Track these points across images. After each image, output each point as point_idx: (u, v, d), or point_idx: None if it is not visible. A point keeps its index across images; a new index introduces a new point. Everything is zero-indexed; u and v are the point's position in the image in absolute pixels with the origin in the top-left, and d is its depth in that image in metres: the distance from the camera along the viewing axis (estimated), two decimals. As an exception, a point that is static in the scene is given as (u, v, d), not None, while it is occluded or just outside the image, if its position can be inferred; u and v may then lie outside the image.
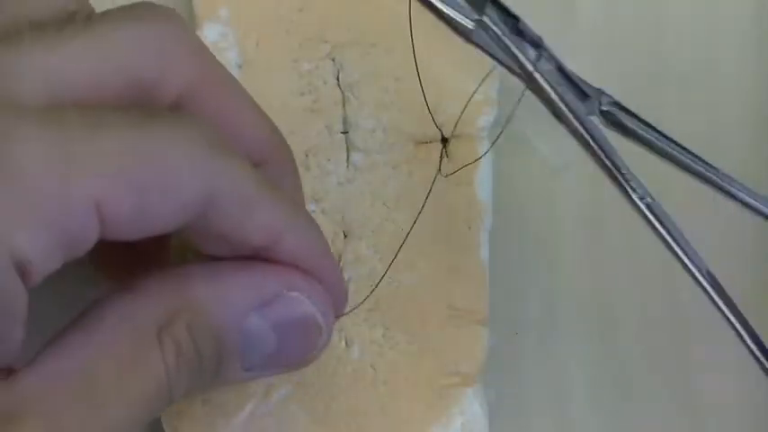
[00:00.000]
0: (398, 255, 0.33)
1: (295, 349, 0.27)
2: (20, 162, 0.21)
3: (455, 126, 0.34)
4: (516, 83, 0.37)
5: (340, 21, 0.35)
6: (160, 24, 0.25)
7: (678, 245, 0.27)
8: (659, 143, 0.27)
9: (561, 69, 0.26)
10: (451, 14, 0.25)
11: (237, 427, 0.32)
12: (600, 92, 0.27)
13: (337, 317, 0.28)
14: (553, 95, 0.26)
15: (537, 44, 0.25)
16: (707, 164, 0.27)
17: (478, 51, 0.36)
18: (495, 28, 0.25)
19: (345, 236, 0.34)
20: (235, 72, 0.34)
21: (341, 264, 0.34)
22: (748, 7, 0.38)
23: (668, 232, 0.27)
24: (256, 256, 0.26)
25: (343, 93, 0.34)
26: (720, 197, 0.30)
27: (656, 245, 0.37)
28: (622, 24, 0.38)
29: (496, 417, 0.34)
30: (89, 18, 0.24)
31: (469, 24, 0.25)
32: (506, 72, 0.36)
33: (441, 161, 0.34)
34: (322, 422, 0.33)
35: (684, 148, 0.27)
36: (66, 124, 0.22)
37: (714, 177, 0.27)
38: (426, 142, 0.34)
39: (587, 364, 0.36)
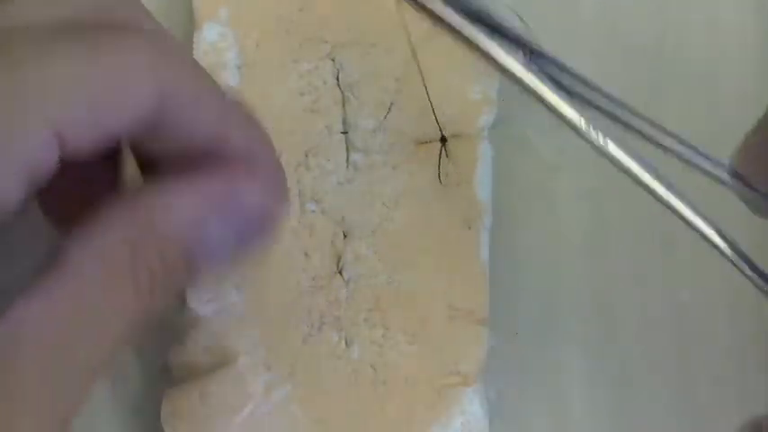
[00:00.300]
0: (398, 255, 0.33)
1: (252, 242, 0.27)
2: None
3: (455, 126, 0.34)
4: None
5: (340, 21, 0.35)
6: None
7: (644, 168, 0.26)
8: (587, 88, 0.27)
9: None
10: None
11: (237, 427, 0.32)
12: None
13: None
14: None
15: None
16: (651, 121, 0.27)
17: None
18: None
19: (345, 236, 0.34)
20: (235, 72, 0.34)
21: (341, 264, 0.34)
22: (749, 7, 0.38)
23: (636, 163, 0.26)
24: (205, 158, 0.26)
25: (342, 93, 0.34)
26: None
27: (656, 245, 0.37)
28: (623, 24, 0.38)
29: (496, 417, 0.34)
30: None
31: None
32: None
33: (440, 160, 0.34)
34: (322, 422, 0.33)
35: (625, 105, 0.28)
36: (20, 53, 0.22)
37: (659, 135, 0.27)
38: (426, 142, 0.34)
39: (587, 364, 0.36)
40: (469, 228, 0.34)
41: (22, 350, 0.23)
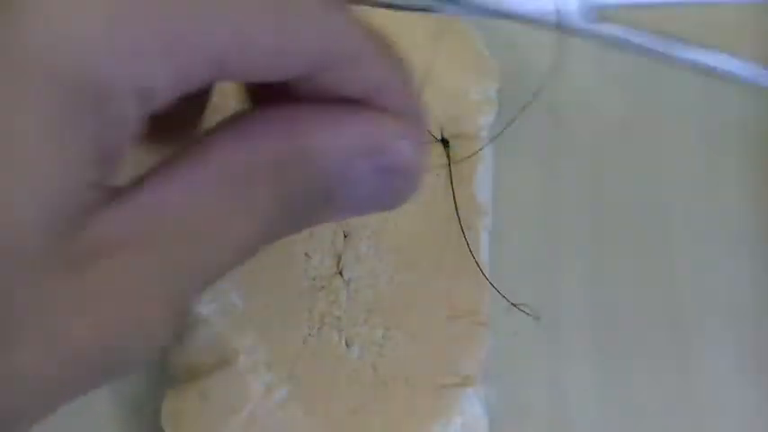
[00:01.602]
0: (399, 255, 0.33)
1: (393, 194, 0.27)
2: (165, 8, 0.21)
3: (455, 126, 0.34)
4: (516, 83, 0.37)
5: (340, 21, 0.35)
6: None
7: None
8: None
9: None
10: None
11: (237, 427, 0.32)
12: None
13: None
14: None
15: None
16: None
17: (480, 50, 0.36)
18: None
19: (345, 236, 0.34)
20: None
21: (341, 264, 0.34)
22: (749, 7, 0.38)
23: None
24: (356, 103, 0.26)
25: (343, 93, 0.34)
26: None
27: (656, 245, 0.37)
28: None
29: (496, 417, 0.34)
30: None
31: None
32: (507, 73, 0.36)
33: (449, 163, 0.34)
34: (322, 422, 0.33)
35: None
36: None
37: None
38: (426, 142, 0.34)
39: (587, 363, 0.36)
40: (469, 228, 0.34)
41: (162, 232, 0.23)
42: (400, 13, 0.35)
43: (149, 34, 0.21)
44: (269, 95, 0.25)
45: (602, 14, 0.26)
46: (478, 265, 0.34)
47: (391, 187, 0.26)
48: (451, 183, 0.34)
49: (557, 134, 0.37)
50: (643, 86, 0.38)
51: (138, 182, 0.23)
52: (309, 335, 0.33)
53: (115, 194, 0.22)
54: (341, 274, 0.34)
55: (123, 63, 0.21)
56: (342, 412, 0.33)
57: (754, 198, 0.37)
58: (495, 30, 0.37)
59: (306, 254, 0.34)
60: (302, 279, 0.33)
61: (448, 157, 0.34)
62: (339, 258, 0.34)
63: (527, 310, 0.36)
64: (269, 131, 0.24)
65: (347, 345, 0.33)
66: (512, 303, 0.34)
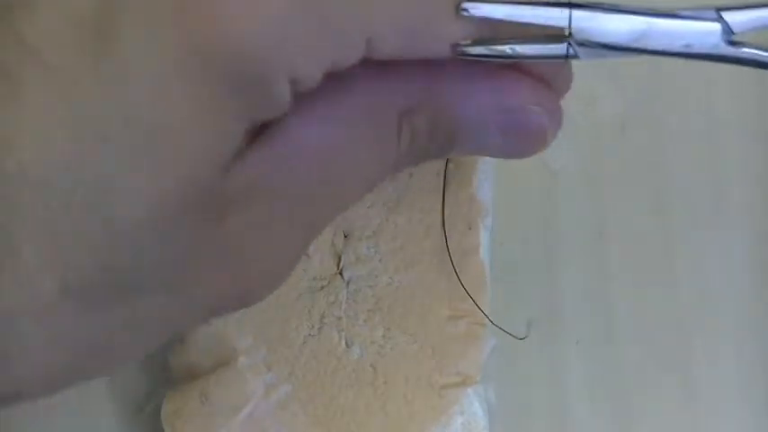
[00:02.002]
0: (399, 255, 0.33)
1: (514, 151, 0.28)
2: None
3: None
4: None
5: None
6: None
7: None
8: None
9: None
10: None
11: (237, 427, 0.32)
12: None
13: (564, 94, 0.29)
14: None
15: None
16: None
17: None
18: None
19: (345, 236, 0.34)
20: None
21: (341, 264, 0.34)
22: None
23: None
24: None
25: (343, 93, 0.34)
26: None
27: (656, 245, 0.37)
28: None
29: (496, 417, 0.34)
30: None
31: None
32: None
33: (446, 168, 0.34)
34: (322, 422, 0.33)
35: None
36: None
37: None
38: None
39: (587, 364, 0.36)
40: (469, 228, 0.34)
41: (302, 164, 0.24)
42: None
43: (306, 24, 0.22)
44: None
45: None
46: (478, 265, 0.34)
47: (514, 144, 0.27)
48: (444, 181, 0.34)
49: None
50: (643, 86, 0.38)
51: (279, 126, 0.24)
52: (309, 335, 0.33)
53: (260, 133, 0.23)
54: (341, 274, 0.34)
55: (278, 54, 0.22)
56: (342, 412, 0.33)
57: (755, 198, 0.37)
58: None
59: (306, 253, 0.34)
60: (302, 279, 0.33)
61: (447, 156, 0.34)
62: (339, 258, 0.34)
63: (527, 311, 0.36)
64: (405, 77, 0.25)
65: (347, 345, 0.33)
66: (493, 323, 0.34)
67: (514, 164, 0.37)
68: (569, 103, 0.38)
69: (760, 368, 0.36)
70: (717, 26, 0.24)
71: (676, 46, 0.24)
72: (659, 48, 0.25)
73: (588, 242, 0.37)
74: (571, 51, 0.25)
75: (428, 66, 0.25)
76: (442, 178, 0.34)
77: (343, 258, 0.34)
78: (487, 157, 0.35)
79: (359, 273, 0.34)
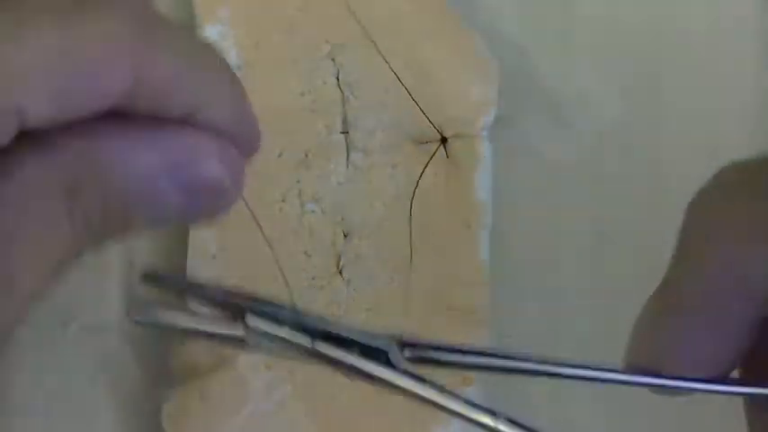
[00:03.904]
0: (398, 255, 0.33)
1: (202, 210, 0.27)
2: None
3: (455, 126, 0.34)
4: (517, 82, 0.37)
5: (340, 21, 0.35)
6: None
7: None
8: (480, 360, 0.28)
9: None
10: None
11: (237, 427, 0.32)
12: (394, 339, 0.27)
13: (248, 155, 0.28)
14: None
15: None
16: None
17: (480, 50, 0.36)
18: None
19: (345, 236, 0.34)
20: (235, 72, 0.34)
21: (341, 264, 0.34)
22: (750, 6, 0.38)
23: None
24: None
25: (342, 93, 0.35)
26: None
27: (656, 245, 0.37)
28: (622, 24, 0.38)
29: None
30: None
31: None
32: (507, 73, 0.36)
33: (430, 159, 0.34)
34: (322, 422, 0.33)
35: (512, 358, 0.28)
36: None
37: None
38: (426, 142, 0.34)
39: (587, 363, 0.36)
40: (469, 228, 0.34)
41: None
42: (399, 13, 0.35)
43: None
44: None
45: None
46: (478, 265, 0.34)
47: (198, 204, 0.26)
48: (415, 179, 0.34)
49: (557, 134, 0.37)
50: (643, 86, 0.38)
51: None
52: (309, 335, 0.33)
53: None
54: (341, 273, 0.34)
55: None
56: (342, 412, 0.33)
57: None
58: (495, 30, 0.37)
59: (306, 254, 0.34)
60: (302, 279, 0.33)
61: (447, 156, 0.34)
62: (339, 258, 0.34)
63: (527, 311, 0.36)
64: (66, 147, 0.24)
65: (347, 345, 0.33)
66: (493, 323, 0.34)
67: (514, 164, 0.37)
68: (570, 103, 0.38)
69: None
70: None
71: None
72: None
73: (588, 241, 0.37)
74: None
75: (86, 132, 0.24)
76: (443, 179, 0.34)
77: (342, 258, 0.34)
78: (487, 158, 0.35)
79: (359, 273, 0.34)
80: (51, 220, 0.24)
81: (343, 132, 0.34)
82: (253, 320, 0.25)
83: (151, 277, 0.25)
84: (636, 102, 0.38)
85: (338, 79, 0.35)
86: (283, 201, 0.34)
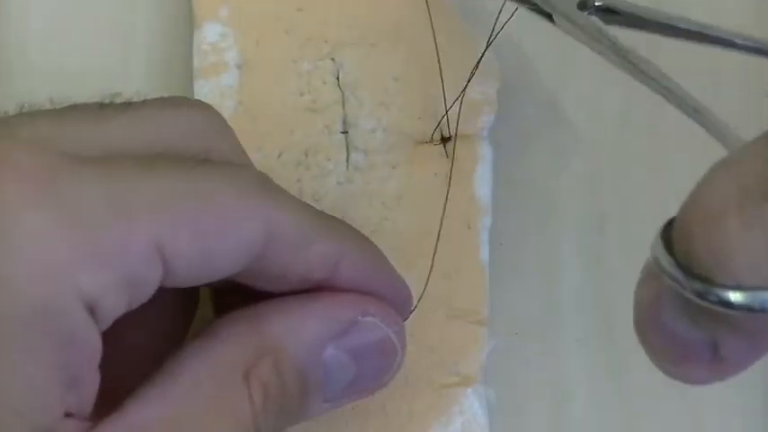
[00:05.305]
0: (398, 255, 0.33)
1: (373, 374, 0.27)
2: (81, 204, 0.21)
3: (456, 126, 0.34)
4: (516, 82, 0.37)
5: (340, 21, 0.35)
6: (198, 111, 0.25)
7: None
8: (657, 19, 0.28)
9: None
10: None
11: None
12: None
13: (404, 319, 0.28)
14: None
15: None
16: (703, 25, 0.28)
17: (480, 50, 0.36)
18: None
19: (345, 236, 0.34)
20: (234, 72, 0.34)
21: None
22: (750, 6, 0.38)
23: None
24: (317, 289, 0.26)
25: (342, 93, 0.34)
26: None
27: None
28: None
29: (496, 417, 0.34)
30: (128, 102, 0.24)
31: None
32: (507, 73, 0.36)
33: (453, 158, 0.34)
34: (322, 422, 0.33)
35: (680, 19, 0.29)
36: (123, 168, 0.22)
37: (715, 34, 0.28)
38: (426, 142, 0.34)
39: (587, 364, 0.36)
40: (469, 228, 0.34)
41: None
42: (399, 13, 0.35)
43: (84, 249, 0.21)
44: (237, 300, 0.25)
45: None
46: (478, 265, 0.34)
47: (371, 367, 0.27)
48: (415, 179, 0.34)
49: (557, 133, 0.37)
50: (643, 86, 0.38)
51: (120, 408, 0.23)
52: (309, 335, 0.33)
53: (97, 423, 0.22)
54: (341, 273, 0.34)
55: (63, 279, 0.21)
56: (341, 412, 0.33)
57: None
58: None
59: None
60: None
61: (447, 156, 0.34)
62: (339, 258, 0.34)
63: (527, 311, 0.36)
64: (235, 336, 0.24)
65: (347, 345, 0.33)
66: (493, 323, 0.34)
67: (514, 164, 0.37)
68: (570, 101, 0.38)
69: (760, 367, 0.36)
70: None
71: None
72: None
73: (588, 240, 0.37)
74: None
75: (254, 317, 0.25)
76: (443, 179, 0.34)
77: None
78: (487, 158, 0.35)
79: (359, 273, 0.34)
80: (230, 400, 0.24)
81: (343, 132, 0.34)
82: None
83: None
84: (636, 100, 0.38)
85: (338, 79, 0.35)
86: (283, 201, 0.34)
